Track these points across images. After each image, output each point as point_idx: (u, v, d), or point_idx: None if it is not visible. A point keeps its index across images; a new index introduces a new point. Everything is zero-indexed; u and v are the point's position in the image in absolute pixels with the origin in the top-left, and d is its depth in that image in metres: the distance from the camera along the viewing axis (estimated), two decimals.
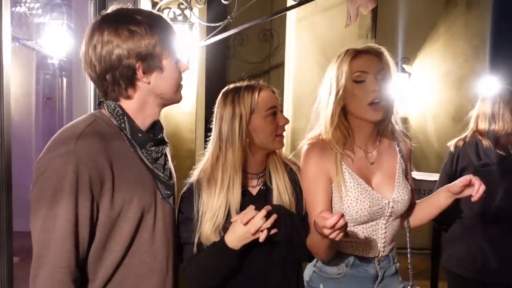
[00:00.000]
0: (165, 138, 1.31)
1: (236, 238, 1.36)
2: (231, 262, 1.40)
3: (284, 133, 1.53)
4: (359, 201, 1.47)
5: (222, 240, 1.38)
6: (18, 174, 1.57)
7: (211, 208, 1.43)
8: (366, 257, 1.55)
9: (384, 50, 1.50)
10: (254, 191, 1.52)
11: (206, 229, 1.42)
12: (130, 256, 1.20)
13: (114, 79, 1.16)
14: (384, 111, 1.46)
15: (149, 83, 1.19)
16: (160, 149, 1.27)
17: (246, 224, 1.33)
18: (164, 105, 1.27)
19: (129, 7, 1.26)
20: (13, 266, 1.43)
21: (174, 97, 1.26)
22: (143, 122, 1.24)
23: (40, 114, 2.48)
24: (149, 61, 1.16)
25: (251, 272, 1.46)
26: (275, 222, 1.36)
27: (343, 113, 1.51)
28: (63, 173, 1.06)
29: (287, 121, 1.51)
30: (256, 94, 1.46)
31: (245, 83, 1.50)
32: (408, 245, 1.60)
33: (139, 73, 1.16)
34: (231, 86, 1.51)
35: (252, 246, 1.39)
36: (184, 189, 1.51)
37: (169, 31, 1.20)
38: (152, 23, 1.16)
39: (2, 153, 1.41)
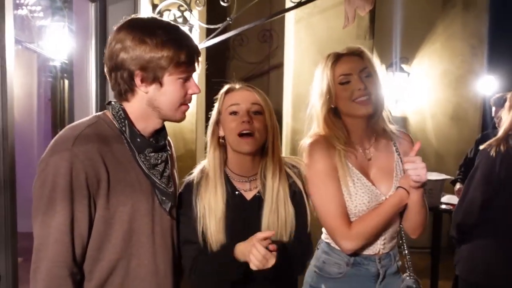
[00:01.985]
0: (167, 146, 1.32)
1: (242, 252, 1.31)
2: (236, 271, 1.35)
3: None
4: (358, 195, 1.50)
5: (231, 248, 1.35)
6: (21, 175, 1.59)
7: (208, 208, 1.42)
8: (367, 255, 1.55)
9: (364, 49, 1.55)
10: (248, 195, 1.47)
11: (212, 229, 1.41)
12: (128, 258, 1.21)
13: (116, 79, 1.20)
14: (373, 105, 1.49)
15: (147, 92, 1.20)
16: (160, 155, 1.27)
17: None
18: (164, 119, 1.27)
19: (134, 14, 1.27)
20: (17, 266, 1.45)
21: (172, 115, 1.25)
22: (144, 128, 1.25)
23: (42, 115, 2.50)
24: (150, 72, 1.17)
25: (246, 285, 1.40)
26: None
27: (336, 114, 1.55)
28: (61, 171, 1.10)
29: (242, 120, 1.40)
30: (224, 94, 1.47)
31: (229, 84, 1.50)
32: (403, 241, 1.61)
33: (137, 80, 1.18)
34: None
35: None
36: (182, 188, 1.49)
37: (184, 51, 1.18)
38: (168, 40, 1.17)
39: (5, 154, 1.43)
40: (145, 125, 1.25)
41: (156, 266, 1.26)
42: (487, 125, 4.87)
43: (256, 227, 1.39)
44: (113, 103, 1.25)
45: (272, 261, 1.25)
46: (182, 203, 1.46)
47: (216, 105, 1.48)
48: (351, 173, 1.51)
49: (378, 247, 1.56)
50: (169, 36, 1.17)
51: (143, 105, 1.22)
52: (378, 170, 1.57)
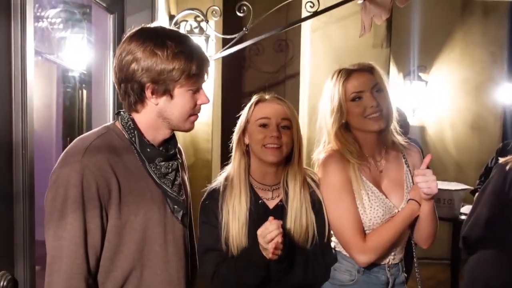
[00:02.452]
0: (178, 154, 1.32)
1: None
2: (255, 274, 1.39)
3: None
4: (373, 209, 1.53)
5: (252, 252, 1.38)
6: (40, 184, 1.61)
7: (232, 213, 1.46)
8: (377, 264, 1.57)
9: (374, 65, 1.58)
10: (270, 204, 1.52)
11: (234, 233, 1.44)
12: (141, 268, 1.21)
13: (126, 90, 1.19)
14: (384, 120, 1.52)
15: (157, 104, 1.20)
16: (170, 164, 1.26)
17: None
18: (173, 129, 1.27)
19: (150, 24, 1.26)
20: (35, 274, 1.46)
21: (182, 126, 1.25)
22: (154, 138, 1.25)
23: (61, 124, 2.54)
24: (160, 85, 1.17)
25: None
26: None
27: (347, 128, 1.57)
28: (71, 182, 1.10)
29: (272, 133, 1.45)
30: (254, 104, 1.51)
31: (256, 95, 1.54)
32: (414, 253, 1.62)
33: (147, 92, 1.18)
34: None
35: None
36: (205, 196, 1.53)
37: (194, 63, 1.18)
38: (179, 52, 1.16)
39: (25, 164, 1.45)
40: (155, 135, 1.24)
41: (170, 275, 1.26)
42: (508, 134, 4.77)
43: None
44: (122, 113, 1.25)
45: (275, 249, 1.30)
46: (205, 211, 1.50)
47: (244, 114, 1.52)
48: (366, 187, 1.53)
49: (388, 257, 1.58)
50: (179, 48, 1.17)
51: (153, 116, 1.22)
52: (389, 182, 1.58)
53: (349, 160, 1.53)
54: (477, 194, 2.09)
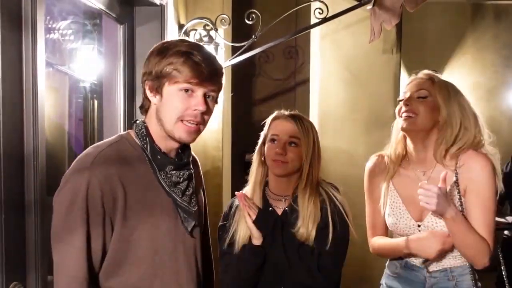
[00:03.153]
0: (191, 164, 1.32)
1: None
2: (252, 258, 1.52)
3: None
4: (388, 215, 1.68)
5: (251, 245, 1.53)
6: (52, 195, 1.62)
7: (243, 217, 1.56)
8: (415, 263, 1.67)
9: (435, 75, 1.71)
10: (279, 211, 1.61)
11: (241, 233, 1.56)
12: (150, 279, 1.20)
13: (142, 91, 1.26)
14: (415, 124, 1.61)
15: (155, 104, 1.22)
16: (182, 173, 1.25)
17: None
18: (172, 137, 1.23)
19: (161, 35, 1.36)
20: (47, 285, 1.47)
21: (171, 130, 1.21)
22: (165, 146, 1.25)
23: (73, 134, 2.56)
24: (155, 81, 1.19)
25: None
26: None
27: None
28: (78, 188, 1.12)
29: (277, 150, 1.56)
30: (271, 120, 1.63)
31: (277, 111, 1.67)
32: (468, 264, 1.61)
33: (147, 89, 1.21)
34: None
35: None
36: (226, 208, 1.67)
37: (190, 61, 1.16)
38: (178, 50, 1.17)
39: (36, 174, 1.45)
40: (164, 143, 1.24)
41: (180, 286, 1.24)
42: None
43: (279, 238, 1.54)
44: (138, 121, 1.27)
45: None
46: (224, 219, 1.63)
47: (266, 127, 1.65)
48: (391, 194, 1.68)
49: (420, 260, 1.64)
50: (181, 48, 1.18)
51: (155, 120, 1.23)
52: None
53: (387, 166, 1.70)
54: None
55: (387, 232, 1.79)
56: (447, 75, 4.78)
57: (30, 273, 1.36)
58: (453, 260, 1.62)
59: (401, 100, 1.66)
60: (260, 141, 1.65)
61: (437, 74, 1.71)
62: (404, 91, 1.67)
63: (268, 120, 1.65)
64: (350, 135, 3.32)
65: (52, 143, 2.12)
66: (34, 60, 1.41)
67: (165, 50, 1.18)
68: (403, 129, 1.63)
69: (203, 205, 1.45)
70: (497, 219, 3.37)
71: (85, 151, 1.22)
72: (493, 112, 4.78)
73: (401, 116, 1.63)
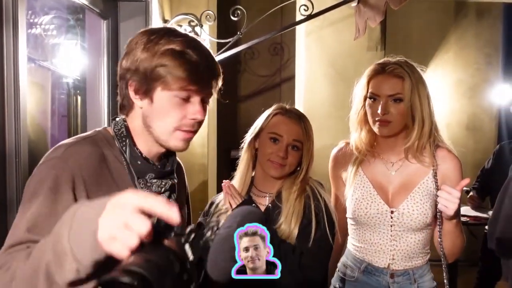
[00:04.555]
0: (175, 173, 1.15)
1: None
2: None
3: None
4: (358, 201, 1.60)
5: None
6: None
7: (223, 210, 1.51)
8: (377, 267, 1.59)
9: (410, 72, 1.64)
10: (262, 208, 1.52)
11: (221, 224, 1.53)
12: None
13: (119, 90, 1.09)
14: (391, 129, 1.57)
15: (141, 107, 1.05)
16: (164, 183, 1.10)
17: None
18: (161, 144, 1.08)
19: (143, 26, 1.23)
20: None
21: (165, 140, 1.06)
22: (148, 151, 1.09)
23: (56, 131, 2.53)
24: (143, 83, 1.01)
25: None
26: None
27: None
28: (43, 177, 0.97)
29: (278, 152, 1.45)
30: (272, 115, 1.51)
31: (278, 104, 1.55)
32: (442, 261, 1.55)
33: (130, 91, 1.04)
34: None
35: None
36: (207, 205, 1.60)
37: (186, 64, 1.00)
38: (171, 49, 1.00)
39: (18, 171, 1.43)
40: (148, 147, 1.09)
41: None
42: (503, 135, 4.79)
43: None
44: (117, 119, 1.12)
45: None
46: (203, 215, 1.57)
47: (261, 120, 1.52)
48: (360, 180, 1.63)
49: (386, 261, 1.58)
50: (174, 46, 1.00)
51: (139, 123, 1.07)
52: (398, 185, 1.61)
53: (354, 153, 1.65)
54: (500, 193, 2.02)
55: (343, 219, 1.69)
56: (430, 72, 4.85)
57: None
58: (415, 261, 1.60)
59: (373, 96, 1.58)
60: (252, 133, 1.52)
61: (408, 62, 1.68)
62: (377, 92, 1.57)
63: (267, 113, 1.52)
64: (335, 132, 3.35)
65: (34, 140, 2.09)
66: (15, 55, 1.39)
67: (154, 45, 1.00)
68: (379, 135, 1.59)
69: (186, 222, 1.32)
70: (479, 214, 3.45)
71: (57, 145, 1.05)
72: (475, 109, 4.86)
73: (376, 122, 1.56)
